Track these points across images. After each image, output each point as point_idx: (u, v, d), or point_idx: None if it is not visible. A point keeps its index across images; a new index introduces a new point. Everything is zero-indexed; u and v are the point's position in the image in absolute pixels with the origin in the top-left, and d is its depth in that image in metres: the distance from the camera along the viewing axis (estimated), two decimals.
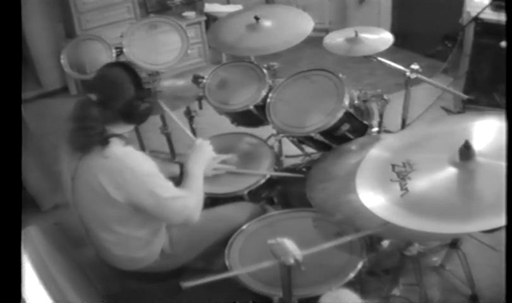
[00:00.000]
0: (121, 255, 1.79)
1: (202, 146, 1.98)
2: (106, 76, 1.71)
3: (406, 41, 3.82)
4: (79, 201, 1.72)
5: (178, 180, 1.87)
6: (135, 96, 1.67)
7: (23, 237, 1.16)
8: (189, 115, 2.78)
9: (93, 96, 1.64)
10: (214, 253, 1.87)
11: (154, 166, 1.68)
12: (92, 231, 1.77)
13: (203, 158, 1.95)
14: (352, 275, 1.56)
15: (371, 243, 1.85)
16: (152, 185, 1.65)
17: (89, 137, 1.61)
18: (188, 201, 1.73)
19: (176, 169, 2.00)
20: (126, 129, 1.75)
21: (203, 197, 1.83)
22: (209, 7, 4.84)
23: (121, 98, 1.65)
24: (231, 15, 2.82)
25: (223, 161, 2.15)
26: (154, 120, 2.17)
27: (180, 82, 2.79)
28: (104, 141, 1.62)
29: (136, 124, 1.77)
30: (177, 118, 2.23)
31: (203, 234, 1.89)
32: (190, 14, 4.61)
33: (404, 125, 2.47)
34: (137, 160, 1.66)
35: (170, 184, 1.71)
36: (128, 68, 1.69)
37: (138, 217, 1.71)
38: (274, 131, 2.38)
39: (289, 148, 2.60)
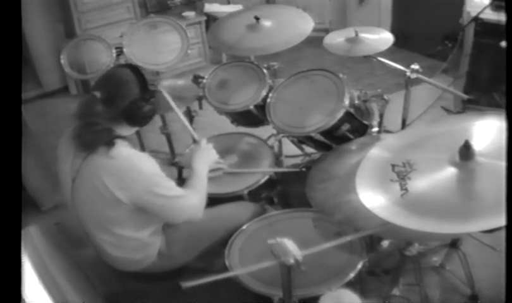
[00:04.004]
0: (118, 257, 1.78)
1: (208, 147, 2.00)
2: (112, 75, 1.75)
3: (406, 41, 3.81)
4: (78, 201, 1.72)
5: (177, 183, 1.87)
6: (140, 97, 1.69)
7: (23, 237, 1.16)
8: (189, 115, 2.77)
9: (98, 94, 1.66)
10: (214, 253, 1.87)
11: (158, 167, 1.70)
12: (90, 232, 1.76)
13: (208, 158, 1.98)
14: (352, 275, 1.56)
15: (371, 243, 1.85)
16: (157, 185, 1.67)
17: (95, 134, 1.62)
18: (191, 200, 1.76)
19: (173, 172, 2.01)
20: (129, 131, 1.77)
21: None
22: (209, 7, 4.84)
23: (125, 98, 1.67)
24: (231, 15, 2.82)
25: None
26: (154, 120, 2.17)
27: (180, 82, 2.79)
28: (110, 142, 1.63)
29: (138, 126, 1.78)
30: (183, 116, 2.22)
31: (201, 234, 1.88)
32: (190, 14, 4.61)
33: (404, 125, 2.47)
34: (142, 161, 1.68)
35: (173, 184, 1.74)
36: (135, 69, 1.72)
37: (138, 218, 1.71)
38: (274, 131, 2.38)
39: (289, 148, 2.59)
